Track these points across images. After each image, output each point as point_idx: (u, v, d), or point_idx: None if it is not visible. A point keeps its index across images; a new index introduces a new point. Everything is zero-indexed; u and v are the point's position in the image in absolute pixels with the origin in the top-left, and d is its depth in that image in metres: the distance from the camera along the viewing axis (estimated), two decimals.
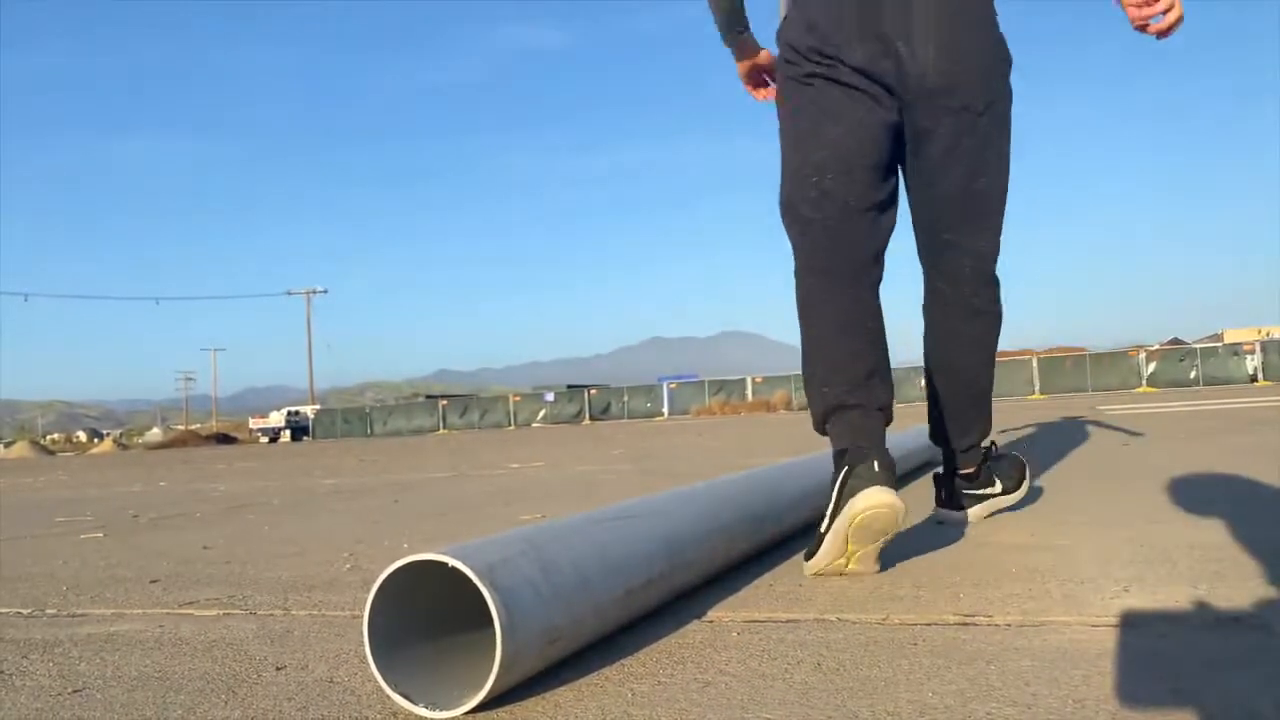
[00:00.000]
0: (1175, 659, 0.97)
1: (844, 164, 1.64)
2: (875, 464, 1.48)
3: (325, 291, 53.41)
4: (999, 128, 1.73)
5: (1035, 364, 28.42)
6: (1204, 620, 1.11)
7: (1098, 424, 5.99)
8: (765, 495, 1.73)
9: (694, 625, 1.26)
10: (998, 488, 2.01)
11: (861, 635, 1.15)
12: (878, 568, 1.52)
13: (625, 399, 33.59)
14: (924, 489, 2.81)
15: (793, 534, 1.91)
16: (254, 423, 46.39)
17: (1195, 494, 2.25)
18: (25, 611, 1.65)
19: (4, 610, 1.68)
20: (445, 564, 0.93)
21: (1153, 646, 1.02)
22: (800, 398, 28.86)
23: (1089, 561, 1.50)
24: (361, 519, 2.94)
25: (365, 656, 0.96)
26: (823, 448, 1.77)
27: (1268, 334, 41.29)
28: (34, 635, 1.45)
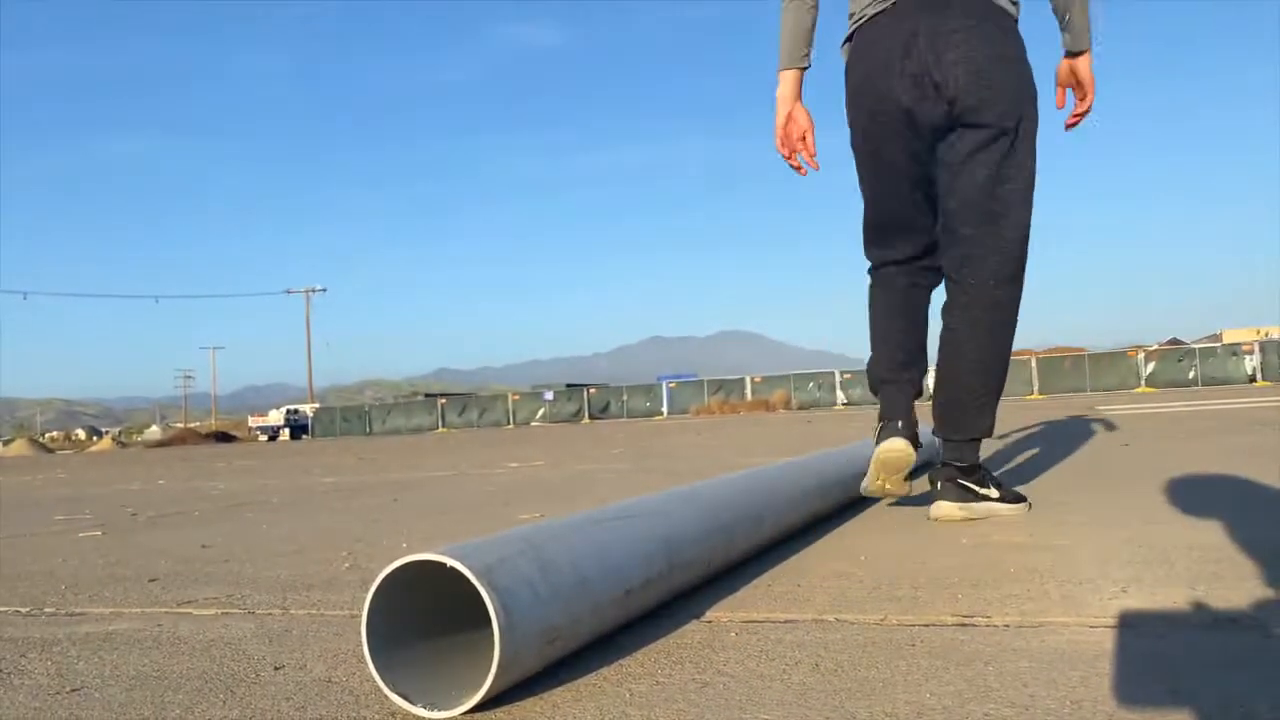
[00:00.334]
0: (1173, 660, 0.97)
1: (897, 218, 2.13)
2: (899, 424, 2.09)
3: (324, 290, 53.41)
4: (1023, 147, 1.98)
5: (1034, 364, 28.43)
6: (1202, 621, 1.12)
7: (1097, 422, 5.99)
8: (764, 495, 1.73)
9: (692, 625, 1.26)
10: (994, 494, 2.07)
11: (859, 636, 1.15)
12: (909, 488, 2.12)
13: (624, 398, 33.59)
14: (923, 490, 2.81)
15: (791, 534, 1.91)
16: (253, 421, 46.40)
17: (1193, 495, 2.25)
18: (23, 610, 1.65)
19: (2, 609, 1.68)
20: (444, 564, 0.93)
21: (1151, 647, 1.02)
22: (798, 398, 29.18)
23: (1087, 562, 1.51)
24: (360, 518, 2.94)
25: (364, 656, 0.96)
26: (821, 448, 1.81)
27: (1266, 334, 41.31)
28: (32, 634, 1.44)
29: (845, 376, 30.23)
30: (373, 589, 0.95)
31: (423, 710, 0.93)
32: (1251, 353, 27.36)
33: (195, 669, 1.17)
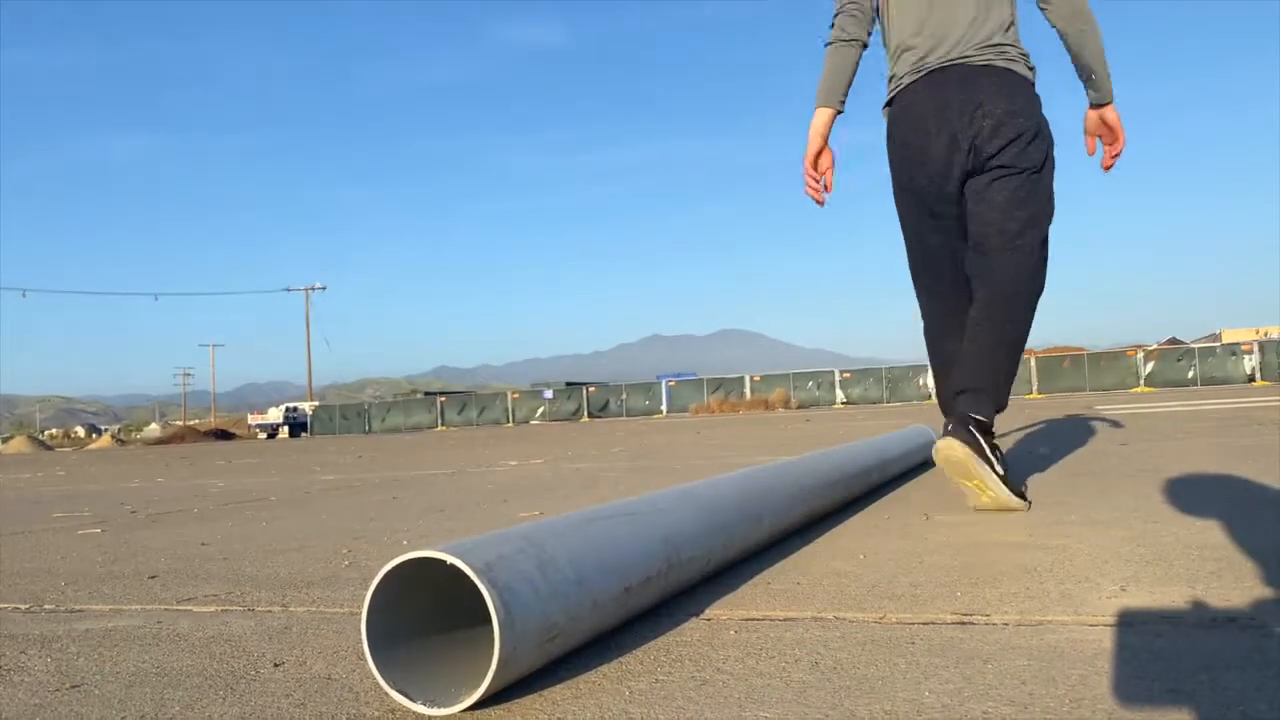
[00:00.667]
0: (1172, 658, 0.97)
1: (949, 275, 2.38)
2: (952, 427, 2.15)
3: (324, 288, 53.35)
4: (1043, 184, 2.24)
5: (1033, 363, 28.42)
6: (1201, 620, 1.12)
7: (1096, 421, 5.99)
8: (763, 494, 1.73)
9: (691, 623, 1.26)
10: (1000, 470, 2.10)
11: (858, 634, 1.15)
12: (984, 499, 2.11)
13: (624, 397, 33.58)
14: (919, 490, 2.82)
15: (790, 533, 1.92)
16: (253, 419, 46.37)
17: (1192, 494, 2.25)
18: (23, 607, 1.65)
19: (2, 606, 1.68)
20: (443, 561, 0.93)
21: (1149, 646, 1.02)
22: (797, 396, 29.28)
23: (1086, 561, 1.51)
24: (360, 515, 2.94)
25: (363, 653, 0.96)
26: (818, 446, 1.81)
27: (1265, 334, 41.32)
28: (32, 631, 1.45)
29: (844, 376, 30.26)
30: (372, 586, 0.95)
31: (422, 707, 0.93)
32: (1251, 352, 27.37)
33: (195, 666, 1.18)
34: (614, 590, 1.11)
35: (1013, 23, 2.27)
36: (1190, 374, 27.14)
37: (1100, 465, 3.18)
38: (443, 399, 36.38)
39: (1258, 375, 26.62)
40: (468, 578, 0.92)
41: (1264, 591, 1.23)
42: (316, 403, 43.82)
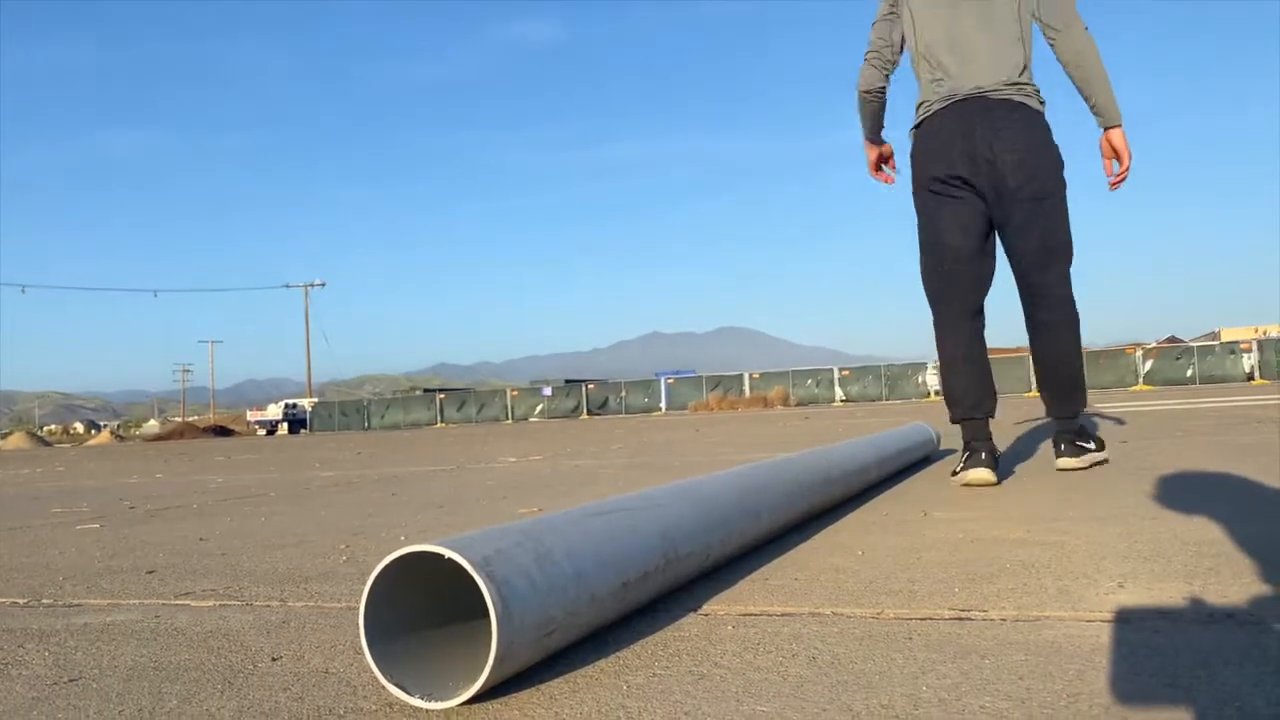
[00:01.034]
0: (1169, 654, 0.97)
1: (956, 253, 2.71)
2: (982, 454, 2.61)
3: (324, 285, 53.31)
4: (1060, 206, 2.65)
5: (1032, 361, 28.44)
6: (1198, 616, 1.12)
7: (1095, 419, 5.99)
8: (761, 490, 1.73)
9: (689, 618, 1.26)
10: (1093, 447, 2.85)
11: (856, 629, 1.15)
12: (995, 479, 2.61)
13: (623, 394, 33.59)
14: (918, 487, 2.82)
15: (788, 529, 1.92)
16: (251, 415, 46.34)
17: (1190, 491, 2.25)
18: (21, 601, 1.65)
19: (1, 600, 1.68)
20: (441, 555, 0.93)
21: (1147, 642, 1.02)
22: (796, 394, 29.25)
23: (1084, 557, 1.51)
24: (358, 511, 2.94)
25: (361, 647, 0.96)
26: (817, 444, 1.81)
27: (1264, 332, 41.33)
28: (30, 625, 1.45)
29: (843, 373, 30.24)
30: (370, 580, 0.95)
31: (420, 701, 0.93)
32: (1249, 351, 27.40)
33: (193, 660, 1.18)
34: (612, 585, 1.11)
35: (1027, 65, 2.67)
36: (1189, 372, 27.17)
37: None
38: (442, 396, 36.39)
39: (1256, 373, 26.64)
40: (465, 572, 0.92)
41: (1262, 588, 1.23)
42: (316, 399, 43.79)
